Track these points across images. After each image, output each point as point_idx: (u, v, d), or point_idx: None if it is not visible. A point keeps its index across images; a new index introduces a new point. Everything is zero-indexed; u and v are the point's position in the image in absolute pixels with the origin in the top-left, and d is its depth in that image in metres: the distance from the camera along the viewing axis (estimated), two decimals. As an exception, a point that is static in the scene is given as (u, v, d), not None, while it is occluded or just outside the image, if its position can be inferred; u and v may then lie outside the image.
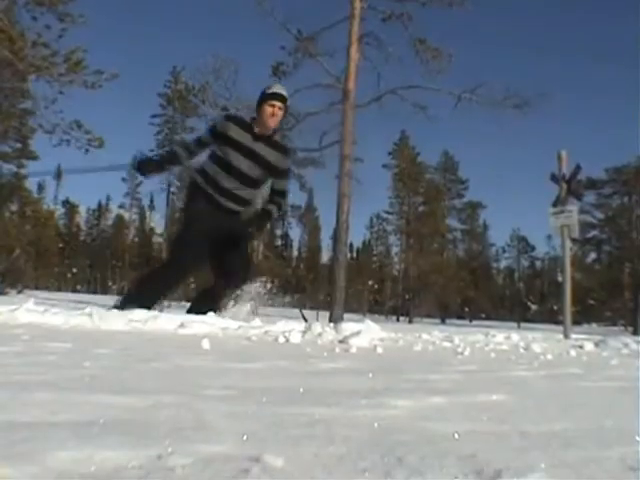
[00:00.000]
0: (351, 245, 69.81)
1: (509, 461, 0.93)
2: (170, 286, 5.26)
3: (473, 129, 68.07)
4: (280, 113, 5.03)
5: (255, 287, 5.14)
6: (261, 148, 5.04)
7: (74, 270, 70.79)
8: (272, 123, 5.04)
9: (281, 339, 3.59)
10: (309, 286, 57.61)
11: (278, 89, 5.13)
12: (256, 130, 5.03)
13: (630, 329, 39.83)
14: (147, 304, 4.69)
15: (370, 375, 2.00)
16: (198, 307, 5.02)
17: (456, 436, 1.10)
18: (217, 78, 17.93)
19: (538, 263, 77.70)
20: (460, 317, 59.66)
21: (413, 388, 1.73)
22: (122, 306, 4.77)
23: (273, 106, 4.99)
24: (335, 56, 18.58)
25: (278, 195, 5.26)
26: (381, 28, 18.47)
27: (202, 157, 5.30)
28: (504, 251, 71.83)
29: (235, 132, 5.02)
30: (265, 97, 5.03)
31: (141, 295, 4.94)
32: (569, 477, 0.87)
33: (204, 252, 5.10)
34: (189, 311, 5.03)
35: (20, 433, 0.95)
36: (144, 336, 3.68)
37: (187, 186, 5.64)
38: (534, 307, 72.29)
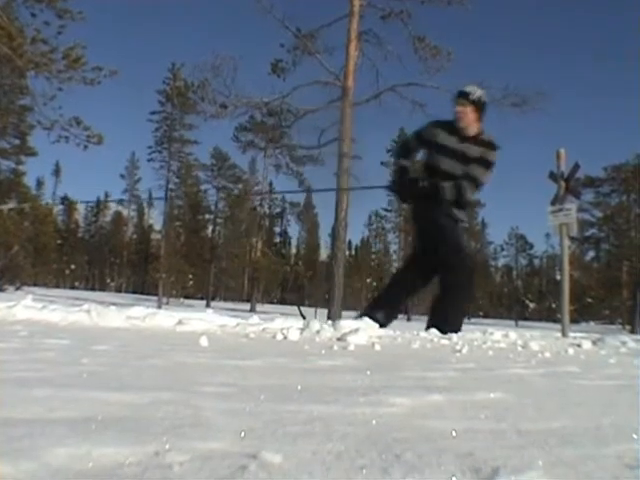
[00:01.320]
0: (350, 243, 69.90)
1: (507, 459, 0.93)
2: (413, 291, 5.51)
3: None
4: (466, 110, 5.07)
5: None
6: (467, 147, 5.09)
7: (72, 267, 70.80)
8: (461, 123, 5.10)
9: (279, 336, 3.59)
10: (307, 283, 57.63)
11: (467, 89, 5.18)
12: (460, 131, 5.10)
13: (628, 327, 39.93)
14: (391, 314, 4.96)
15: (368, 373, 2.00)
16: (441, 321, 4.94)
17: (454, 434, 1.10)
18: (216, 75, 17.89)
19: (536, 261, 77.86)
20: (458, 315, 59.60)
21: (411, 386, 1.74)
22: (372, 314, 4.83)
23: (460, 105, 5.09)
24: (334, 54, 18.63)
25: (470, 179, 5.16)
26: (380, 26, 18.50)
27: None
28: (502, 249, 71.96)
29: (442, 137, 5.10)
30: (456, 97, 5.16)
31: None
32: (567, 475, 0.88)
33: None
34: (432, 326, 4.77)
35: (18, 429, 0.95)
36: (142, 333, 3.68)
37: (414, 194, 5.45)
38: (532, 305, 72.37)
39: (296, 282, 61.35)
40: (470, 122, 5.09)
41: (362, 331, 3.68)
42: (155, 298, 44.74)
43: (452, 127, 5.11)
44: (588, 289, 46.36)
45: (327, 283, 18.66)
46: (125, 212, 78.22)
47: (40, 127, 20.07)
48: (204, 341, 2.84)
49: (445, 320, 4.87)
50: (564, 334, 7.55)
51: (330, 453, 0.92)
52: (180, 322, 4.19)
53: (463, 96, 5.09)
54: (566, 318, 8.43)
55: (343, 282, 17.49)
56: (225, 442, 0.96)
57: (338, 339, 3.54)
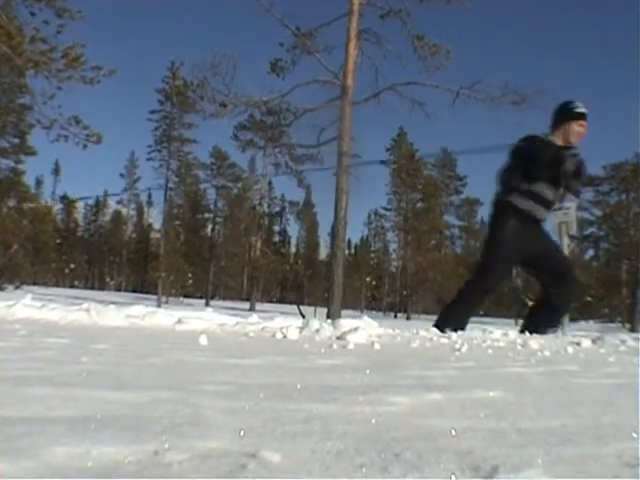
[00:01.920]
0: (349, 241, 69.90)
1: (506, 457, 0.93)
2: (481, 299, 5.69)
3: (471, 125, 67.99)
4: (585, 131, 5.25)
5: None
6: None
7: (72, 266, 70.77)
8: (578, 141, 5.25)
9: (279, 335, 3.59)
10: (307, 282, 57.63)
11: (585, 109, 5.30)
12: (560, 145, 5.21)
13: (627, 326, 39.91)
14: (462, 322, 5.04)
15: (367, 371, 2.00)
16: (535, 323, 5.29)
17: (453, 432, 1.10)
18: (215, 74, 17.83)
19: (536, 260, 77.77)
20: (458, 314, 59.54)
21: (410, 384, 1.74)
22: (442, 325, 4.89)
23: (582, 126, 5.21)
24: (333, 52, 18.58)
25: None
26: (379, 24, 18.45)
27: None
28: (502, 248, 71.74)
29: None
30: (575, 116, 5.24)
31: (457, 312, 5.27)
32: (566, 473, 0.87)
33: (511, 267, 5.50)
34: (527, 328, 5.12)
35: (17, 428, 0.95)
36: (142, 332, 3.68)
37: (501, 208, 5.50)
38: (532, 304, 72.35)
39: (295, 281, 61.31)
40: None
41: (362, 330, 3.68)
42: (154, 297, 44.74)
43: (551, 143, 5.22)
44: (587, 288, 46.33)
45: (326, 282, 18.68)
46: (124, 211, 78.20)
47: (39, 126, 20.07)
48: (203, 340, 2.84)
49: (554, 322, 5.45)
50: (563, 332, 7.55)
51: (329, 452, 0.92)
52: (179, 321, 4.19)
53: (584, 118, 5.25)
54: (565, 317, 8.42)
55: (342, 281, 17.48)
56: (224, 441, 0.95)
57: (337, 338, 3.54)
